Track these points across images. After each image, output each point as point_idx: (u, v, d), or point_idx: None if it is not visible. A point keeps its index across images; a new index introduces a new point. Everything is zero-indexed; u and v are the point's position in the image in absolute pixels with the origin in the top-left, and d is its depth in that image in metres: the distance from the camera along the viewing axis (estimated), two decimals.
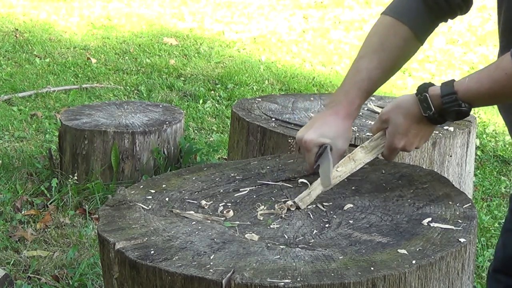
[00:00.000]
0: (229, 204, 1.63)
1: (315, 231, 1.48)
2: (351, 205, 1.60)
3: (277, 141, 2.44)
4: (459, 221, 1.50)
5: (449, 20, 1.78)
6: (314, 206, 1.61)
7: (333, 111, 1.73)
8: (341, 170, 1.69)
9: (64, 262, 2.93)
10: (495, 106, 1.75)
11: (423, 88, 1.56)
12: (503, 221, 1.88)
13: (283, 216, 1.57)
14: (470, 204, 1.59)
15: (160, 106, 4.11)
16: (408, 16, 1.72)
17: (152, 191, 1.71)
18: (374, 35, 1.76)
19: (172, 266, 1.33)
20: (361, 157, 1.70)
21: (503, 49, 1.58)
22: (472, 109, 1.55)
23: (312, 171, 1.72)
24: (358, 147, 1.73)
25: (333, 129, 1.71)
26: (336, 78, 6.18)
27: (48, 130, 4.61)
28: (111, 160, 3.59)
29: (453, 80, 1.54)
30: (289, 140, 2.40)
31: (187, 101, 5.47)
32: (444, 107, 1.52)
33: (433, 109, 1.54)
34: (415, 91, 1.58)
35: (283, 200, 1.65)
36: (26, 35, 7.35)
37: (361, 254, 1.37)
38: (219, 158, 4.18)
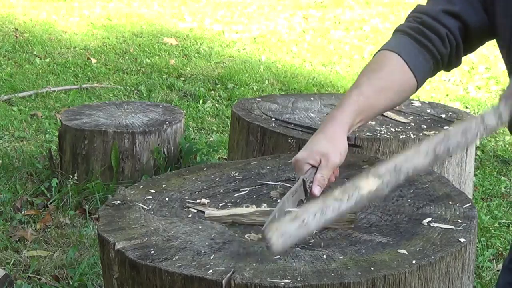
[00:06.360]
0: (229, 204, 1.63)
1: (315, 231, 1.48)
2: None
3: (277, 141, 2.44)
4: (459, 221, 1.50)
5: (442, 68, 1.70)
6: None
7: (323, 125, 1.60)
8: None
9: (64, 262, 2.93)
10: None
11: None
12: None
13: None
14: (470, 204, 1.59)
15: (160, 106, 4.11)
16: (398, 47, 1.64)
17: (152, 191, 1.71)
18: (364, 67, 1.68)
19: (172, 266, 1.33)
20: None
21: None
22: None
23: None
24: None
25: (323, 143, 1.56)
26: (336, 78, 6.18)
27: (48, 130, 4.61)
28: (111, 160, 3.59)
29: None
30: (289, 140, 2.40)
31: (187, 101, 5.47)
32: None
33: None
34: None
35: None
36: (26, 35, 7.35)
37: (361, 254, 1.37)
38: (219, 158, 4.18)
